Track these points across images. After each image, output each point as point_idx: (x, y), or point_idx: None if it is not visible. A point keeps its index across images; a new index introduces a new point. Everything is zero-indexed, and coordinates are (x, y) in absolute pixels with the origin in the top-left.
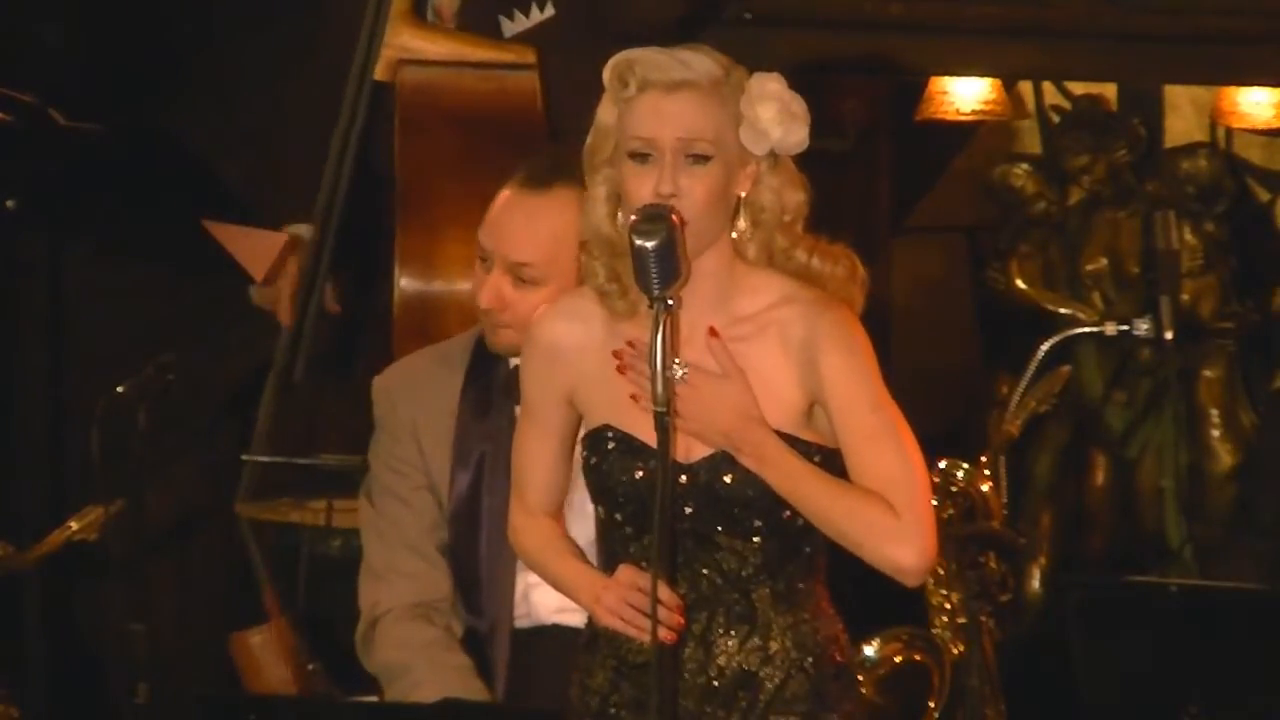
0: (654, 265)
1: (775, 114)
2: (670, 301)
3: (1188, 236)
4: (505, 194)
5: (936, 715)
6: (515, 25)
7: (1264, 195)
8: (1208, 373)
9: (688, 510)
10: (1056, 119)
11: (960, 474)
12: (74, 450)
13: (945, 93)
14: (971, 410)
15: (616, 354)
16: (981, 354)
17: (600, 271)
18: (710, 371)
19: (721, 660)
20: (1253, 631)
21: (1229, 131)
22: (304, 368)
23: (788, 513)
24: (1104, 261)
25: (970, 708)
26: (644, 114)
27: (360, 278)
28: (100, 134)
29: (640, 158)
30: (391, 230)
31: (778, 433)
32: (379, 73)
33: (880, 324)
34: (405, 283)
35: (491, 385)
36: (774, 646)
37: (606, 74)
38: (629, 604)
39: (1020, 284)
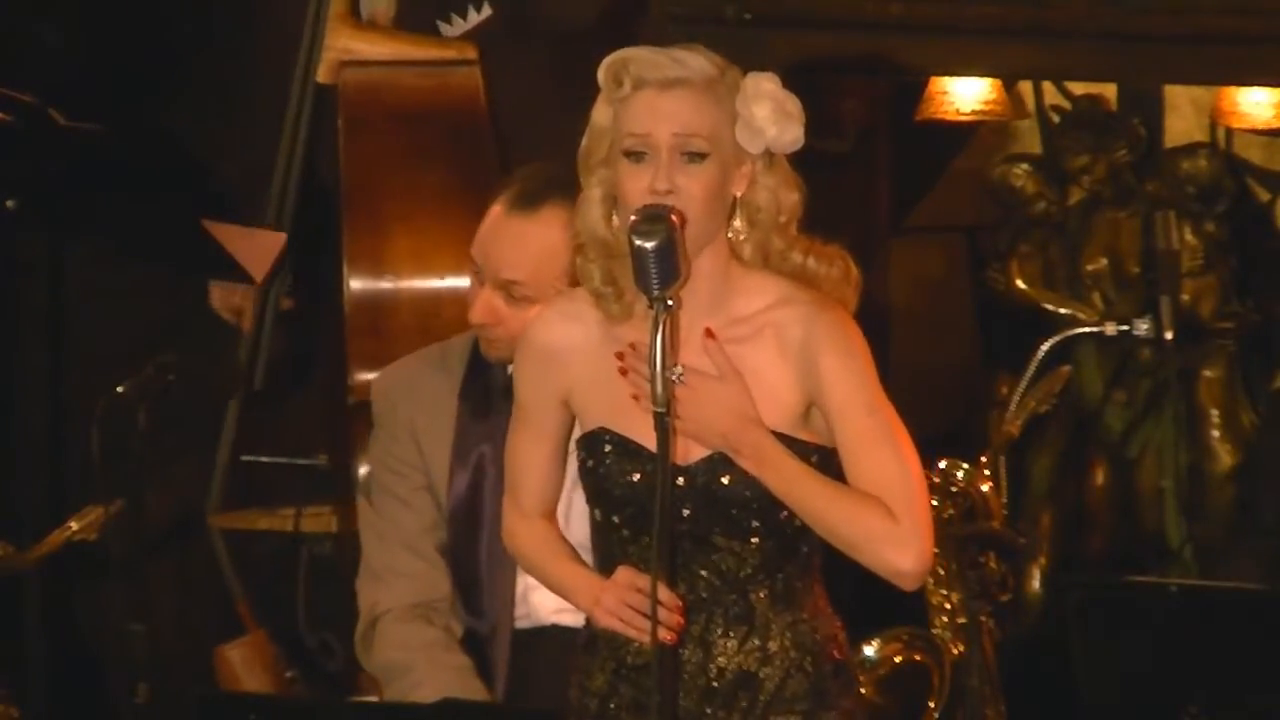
0: (654, 266)
1: (770, 112)
2: (670, 302)
3: (1188, 236)
4: (496, 211)
5: (936, 715)
6: (454, 29)
7: (1264, 195)
8: (1208, 373)
9: (685, 512)
10: (1056, 119)
11: (960, 474)
12: (74, 450)
13: (945, 93)
14: (971, 410)
15: (619, 355)
16: (981, 354)
17: (596, 274)
18: (707, 373)
19: (721, 661)
20: (1253, 631)
21: (1229, 131)
22: (264, 374)
23: (785, 513)
24: (1104, 261)
25: (970, 708)
26: (639, 112)
27: (313, 280)
28: (100, 134)
29: (636, 156)
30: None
31: (775, 434)
32: (321, 75)
33: (879, 324)
34: (354, 281)
35: (491, 386)
36: (773, 646)
37: (601, 74)
38: (628, 605)
39: (1020, 284)
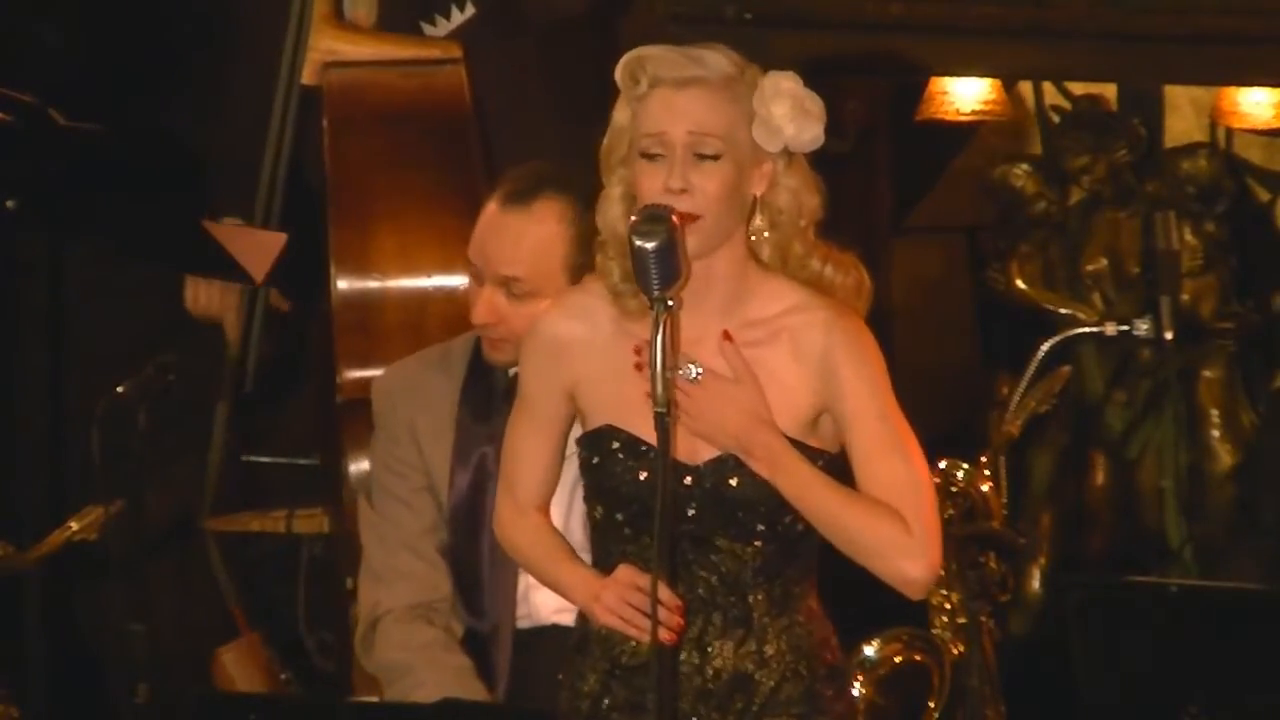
0: (654, 266)
1: (788, 111)
2: (670, 302)
3: (1188, 236)
4: (490, 209)
5: (936, 715)
6: (437, 30)
7: (1264, 195)
8: (1208, 373)
9: (690, 512)
10: (1056, 119)
11: (960, 474)
12: (74, 450)
13: (945, 93)
14: (971, 410)
15: (637, 349)
16: (981, 354)
17: (615, 270)
18: (723, 374)
19: (717, 663)
20: (1252, 631)
21: (1229, 131)
22: (254, 377)
23: (789, 518)
24: (1104, 261)
25: (970, 708)
26: (655, 110)
27: (301, 281)
28: (100, 134)
29: (651, 155)
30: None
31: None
32: (306, 76)
33: (880, 324)
34: (341, 281)
35: (492, 387)
36: (769, 650)
37: (619, 73)
38: (629, 603)
39: (1020, 284)
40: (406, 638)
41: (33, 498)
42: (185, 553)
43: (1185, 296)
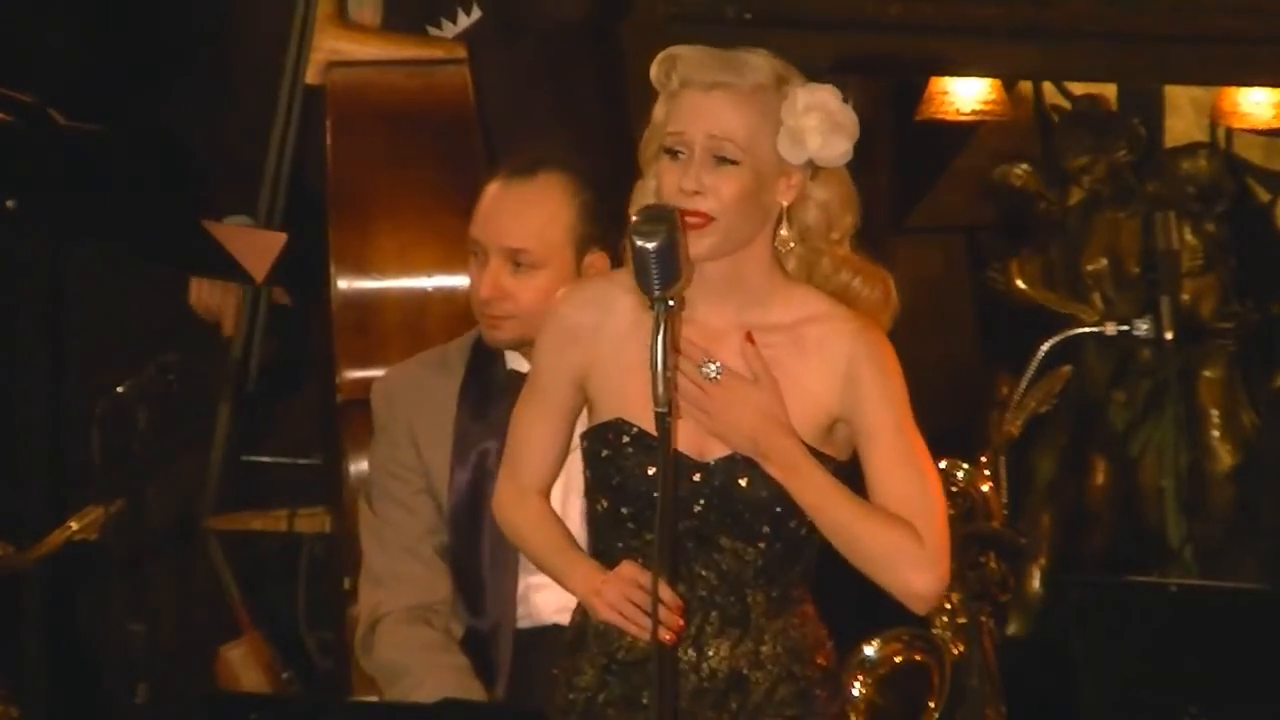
0: (655, 266)
1: (817, 124)
2: (671, 302)
3: (1188, 236)
4: (492, 187)
5: (936, 715)
6: (443, 33)
7: (1264, 195)
8: (1208, 373)
9: (696, 509)
10: (1056, 119)
11: (960, 474)
12: (74, 450)
13: (945, 93)
14: (971, 410)
15: None
16: (981, 354)
17: None
18: (742, 375)
19: (714, 662)
20: (1253, 631)
21: (1229, 131)
22: (256, 376)
23: (794, 521)
24: (1104, 261)
25: (970, 708)
26: (681, 110)
27: (303, 280)
28: (100, 134)
29: (673, 153)
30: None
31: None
32: (310, 76)
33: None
34: (341, 281)
35: (491, 383)
36: (765, 651)
37: (653, 70)
38: (630, 601)
39: (1020, 284)
40: (405, 639)
41: (33, 498)
42: (186, 552)
43: (1185, 296)
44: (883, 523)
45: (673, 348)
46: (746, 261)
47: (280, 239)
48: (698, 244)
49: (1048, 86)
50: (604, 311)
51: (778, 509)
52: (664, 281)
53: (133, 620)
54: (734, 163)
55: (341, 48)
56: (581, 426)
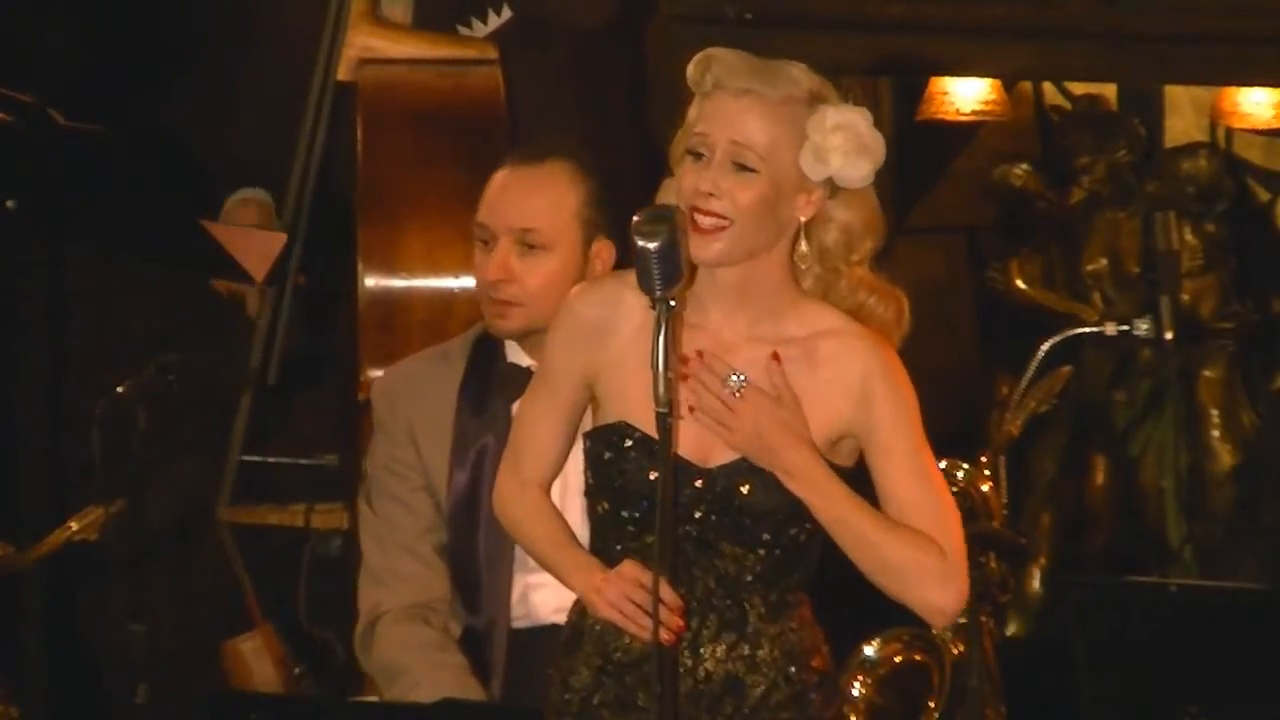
0: (656, 266)
1: (842, 143)
2: (673, 303)
3: (1188, 236)
4: (501, 174)
5: (936, 715)
6: (474, 32)
7: (1264, 195)
8: (1208, 373)
9: (697, 514)
10: (1056, 119)
11: (960, 474)
12: (74, 450)
13: (945, 93)
14: (971, 410)
15: (684, 359)
16: (981, 354)
17: None
18: (765, 389)
19: (709, 665)
20: (1253, 631)
21: (1229, 131)
22: (278, 370)
23: (794, 529)
24: (1104, 261)
25: (970, 708)
26: (708, 112)
27: (328, 277)
28: (100, 134)
29: (696, 154)
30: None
31: None
32: (341, 73)
33: None
34: (368, 279)
35: (490, 381)
36: (761, 654)
37: (690, 69)
38: (630, 600)
39: (1020, 284)
40: (404, 638)
41: (33, 498)
42: (189, 550)
43: (1185, 296)
44: (905, 537)
45: (674, 349)
46: (761, 272)
47: (280, 238)
48: (709, 247)
49: (1048, 86)
50: (616, 311)
51: (779, 517)
52: (665, 282)
53: (133, 620)
54: (752, 170)
55: (374, 45)
56: (585, 425)
